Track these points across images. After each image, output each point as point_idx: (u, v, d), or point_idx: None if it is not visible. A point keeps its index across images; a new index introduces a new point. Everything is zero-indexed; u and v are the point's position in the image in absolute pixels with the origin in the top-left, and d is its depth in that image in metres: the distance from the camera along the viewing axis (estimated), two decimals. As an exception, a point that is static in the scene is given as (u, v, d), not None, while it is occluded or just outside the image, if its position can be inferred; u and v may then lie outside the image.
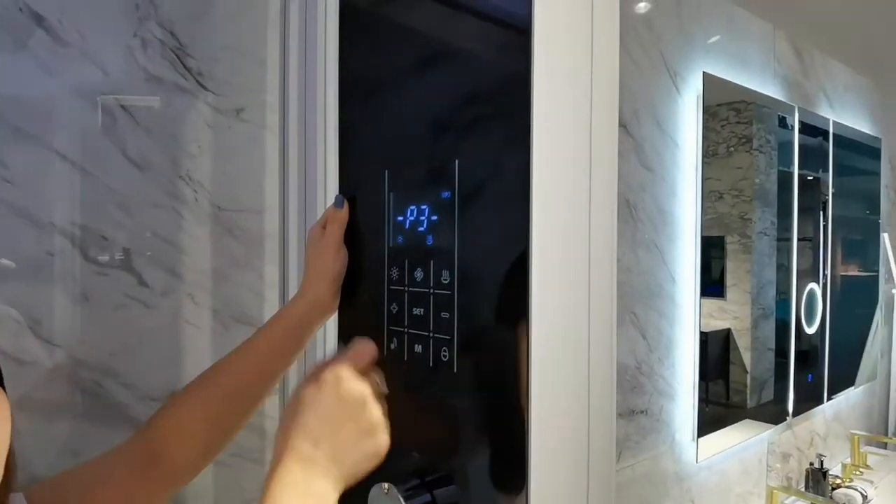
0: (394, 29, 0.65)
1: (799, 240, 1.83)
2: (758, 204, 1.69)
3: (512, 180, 0.49)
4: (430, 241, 0.57)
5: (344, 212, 0.66)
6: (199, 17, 0.83)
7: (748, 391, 1.69)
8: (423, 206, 0.57)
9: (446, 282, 0.54)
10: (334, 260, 0.65)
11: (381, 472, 0.51)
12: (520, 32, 0.47)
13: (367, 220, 0.65)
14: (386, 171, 0.61)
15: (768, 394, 1.75)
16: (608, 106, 0.52)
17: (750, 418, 1.70)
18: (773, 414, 1.75)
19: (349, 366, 0.50)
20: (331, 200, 0.86)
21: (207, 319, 0.85)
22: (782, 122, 1.75)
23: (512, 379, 0.49)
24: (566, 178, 0.49)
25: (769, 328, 1.75)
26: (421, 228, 0.57)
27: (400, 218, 0.60)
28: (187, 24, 0.82)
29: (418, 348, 0.57)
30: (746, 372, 1.68)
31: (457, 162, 0.53)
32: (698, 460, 1.48)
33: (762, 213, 1.71)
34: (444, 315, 0.54)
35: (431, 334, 0.56)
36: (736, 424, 1.65)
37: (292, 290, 0.89)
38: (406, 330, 0.59)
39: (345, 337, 0.68)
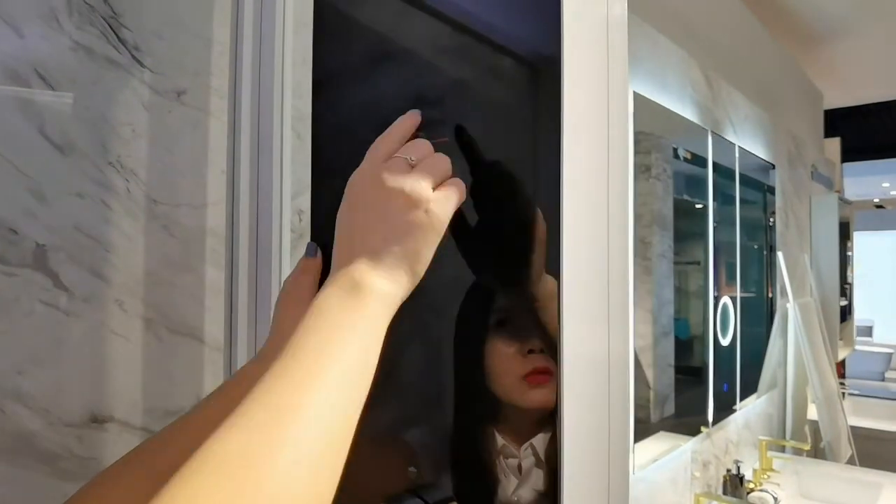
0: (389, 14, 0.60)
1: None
2: (657, 228, 1.76)
3: (530, 158, 0.45)
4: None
5: (318, 260, 0.57)
6: (135, -15, 0.73)
7: (651, 406, 1.74)
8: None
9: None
10: None
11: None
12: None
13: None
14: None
15: (670, 408, 1.81)
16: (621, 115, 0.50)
17: (665, 430, 1.74)
18: (688, 425, 1.82)
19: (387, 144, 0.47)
20: (287, 194, 0.78)
21: (138, 330, 0.73)
22: (676, 154, 1.84)
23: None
24: (590, 153, 0.46)
25: (669, 345, 1.82)
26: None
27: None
28: (122, -10, 0.72)
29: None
30: (650, 388, 1.73)
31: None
32: (634, 471, 1.50)
33: (662, 237, 1.78)
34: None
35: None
36: (653, 436, 1.68)
37: (241, 298, 0.79)
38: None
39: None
